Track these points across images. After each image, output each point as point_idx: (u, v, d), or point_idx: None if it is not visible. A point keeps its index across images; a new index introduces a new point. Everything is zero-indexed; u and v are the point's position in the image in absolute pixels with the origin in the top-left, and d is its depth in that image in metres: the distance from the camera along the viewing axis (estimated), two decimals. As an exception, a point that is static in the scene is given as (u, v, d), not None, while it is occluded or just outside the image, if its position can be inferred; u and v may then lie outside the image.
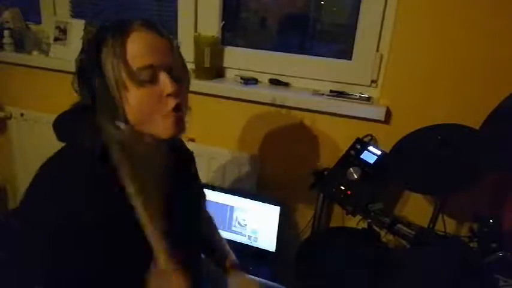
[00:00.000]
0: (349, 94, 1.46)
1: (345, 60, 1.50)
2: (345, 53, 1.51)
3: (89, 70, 0.75)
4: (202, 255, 1.07)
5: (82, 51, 0.78)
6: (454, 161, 1.12)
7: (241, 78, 1.57)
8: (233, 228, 1.48)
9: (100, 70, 0.73)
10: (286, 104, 1.50)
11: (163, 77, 0.75)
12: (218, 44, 1.61)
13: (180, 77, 0.79)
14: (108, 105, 0.73)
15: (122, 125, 0.76)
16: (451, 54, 1.29)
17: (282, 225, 1.45)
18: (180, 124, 0.78)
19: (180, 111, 0.77)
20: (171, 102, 0.75)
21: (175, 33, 1.66)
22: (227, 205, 1.47)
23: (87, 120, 0.76)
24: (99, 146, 0.74)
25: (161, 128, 0.77)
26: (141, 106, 0.74)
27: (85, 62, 0.76)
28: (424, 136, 1.22)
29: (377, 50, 1.43)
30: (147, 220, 0.74)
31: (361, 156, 1.31)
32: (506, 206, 1.28)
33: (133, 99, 0.73)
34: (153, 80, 0.74)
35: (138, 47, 0.74)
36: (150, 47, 0.75)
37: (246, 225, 1.47)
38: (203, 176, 1.61)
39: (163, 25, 0.80)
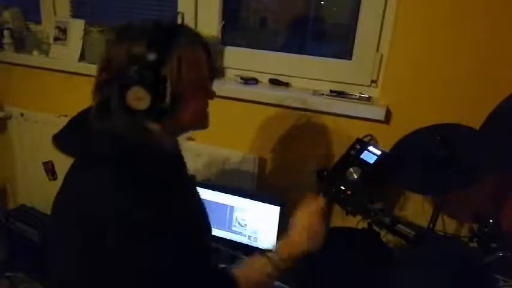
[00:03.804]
0: (349, 94, 1.46)
1: (345, 60, 1.50)
2: (345, 53, 1.50)
3: (158, 78, 0.75)
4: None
5: (156, 60, 0.75)
6: (454, 161, 1.12)
7: (241, 78, 1.57)
8: (233, 228, 1.48)
9: (175, 79, 0.77)
10: (286, 104, 1.50)
11: (211, 85, 0.90)
12: (218, 44, 1.60)
13: None
14: (168, 111, 0.78)
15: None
16: (451, 54, 1.29)
17: (282, 225, 1.44)
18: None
19: None
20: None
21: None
22: (227, 205, 1.47)
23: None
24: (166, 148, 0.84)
25: (205, 124, 0.91)
26: (201, 110, 0.88)
27: (162, 70, 0.76)
28: (424, 136, 1.22)
29: (377, 50, 1.43)
30: None
31: (361, 156, 1.30)
32: (506, 206, 1.28)
33: (196, 105, 0.84)
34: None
35: (204, 58, 0.84)
36: (208, 59, 0.86)
37: (246, 225, 1.47)
38: (203, 176, 1.62)
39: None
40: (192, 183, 0.98)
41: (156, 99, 0.75)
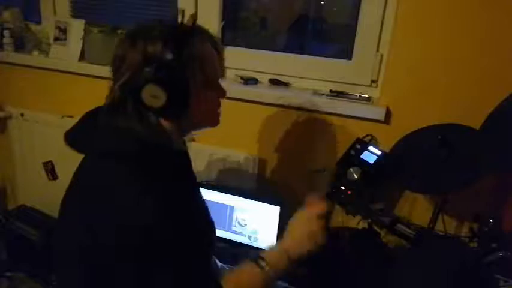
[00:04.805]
0: (349, 94, 1.46)
1: (345, 60, 1.50)
2: (345, 53, 1.50)
3: (174, 78, 0.77)
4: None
5: (170, 55, 0.77)
6: (454, 161, 1.12)
7: (241, 78, 1.57)
8: (233, 228, 1.48)
9: (187, 80, 0.78)
10: (286, 104, 1.50)
11: (223, 84, 0.90)
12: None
13: None
14: (182, 109, 0.80)
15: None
16: (451, 54, 1.29)
17: (282, 225, 1.44)
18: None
19: None
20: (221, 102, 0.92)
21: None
22: (227, 205, 1.47)
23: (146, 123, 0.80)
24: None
25: (216, 121, 0.92)
26: (213, 109, 0.90)
27: (178, 66, 0.77)
28: (424, 136, 1.22)
29: (377, 50, 1.43)
30: None
31: (361, 156, 1.30)
32: (506, 206, 1.28)
33: (209, 104, 0.87)
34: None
35: (216, 57, 0.86)
36: (219, 58, 0.88)
37: (246, 225, 1.47)
38: (203, 176, 1.62)
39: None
40: (196, 182, 0.99)
41: (171, 98, 0.76)
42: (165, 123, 0.82)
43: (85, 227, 0.76)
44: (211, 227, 0.94)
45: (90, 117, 0.85)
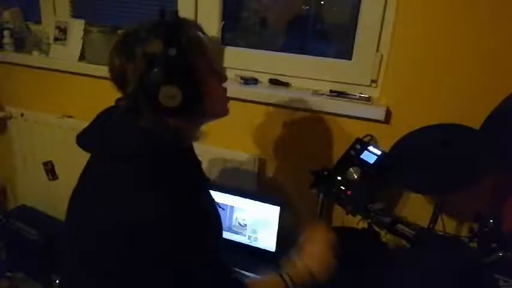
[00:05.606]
0: (349, 94, 1.46)
1: (345, 60, 1.50)
2: (345, 53, 1.50)
3: (184, 72, 0.76)
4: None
5: (173, 53, 0.75)
6: (454, 161, 1.12)
7: (241, 78, 1.57)
8: (233, 228, 1.48)
9: (195, 71, 0.77)
10: (286, 104, 1.50)
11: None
12: (218, 44, 1.60)
13: None
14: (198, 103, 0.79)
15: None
16: (451, 54, 1.29)
17: (282, 225, 1.45)
18: None
19: None
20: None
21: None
22: (227, 205, 1.47)
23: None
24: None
25: (226, 110, 0.91)
26: (221, 95, 0.89)
27: (181, 63, 0.76)
28: (424, 136, 1.22)
29: (377, 50, 1.43)
30: None
31: (361, 156, 1.30)
32: (506, 206, 1.28)
33: (216, 91, 0.86)
34: None
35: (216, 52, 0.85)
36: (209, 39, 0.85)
37: (246, 225, 1.47)
38: (203, 176, 1.62)
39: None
40: (207, 183, 0.99)
41: (186, 93, 0.75)
42: (179, 122, 0.81)
43: (98, 230, 0.76)
44: (219, 221, 0.95)
45: (104, 117, 0.85)
